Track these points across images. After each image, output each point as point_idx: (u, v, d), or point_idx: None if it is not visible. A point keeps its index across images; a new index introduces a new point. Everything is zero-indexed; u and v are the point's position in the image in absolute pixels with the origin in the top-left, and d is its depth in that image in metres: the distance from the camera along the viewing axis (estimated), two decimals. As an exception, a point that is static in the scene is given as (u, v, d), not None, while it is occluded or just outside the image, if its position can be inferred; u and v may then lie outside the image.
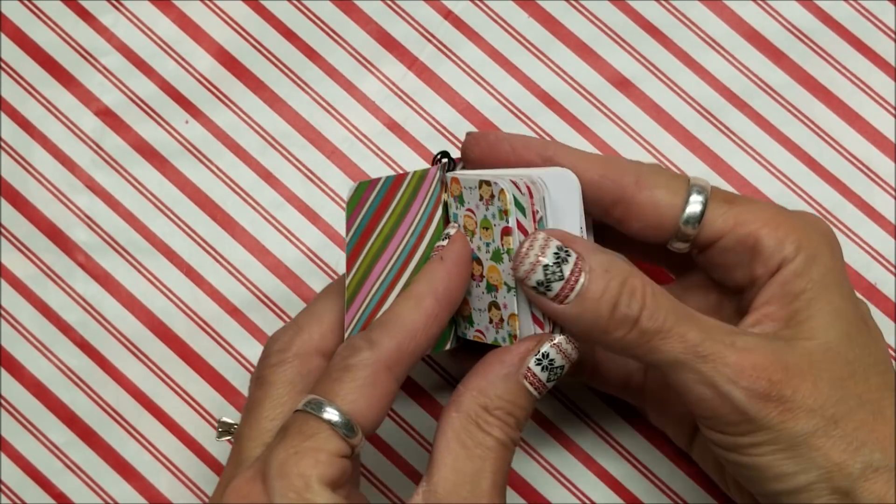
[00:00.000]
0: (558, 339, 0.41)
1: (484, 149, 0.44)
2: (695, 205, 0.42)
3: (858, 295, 0.44)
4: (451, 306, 0.41)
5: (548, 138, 0.53)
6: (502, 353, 0.41)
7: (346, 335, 0.43)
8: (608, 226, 0.44)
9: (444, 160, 0.44)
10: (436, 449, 0.40)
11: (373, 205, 0.44)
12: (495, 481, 0.39)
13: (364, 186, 0.44)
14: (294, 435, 0.38)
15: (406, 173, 0.44)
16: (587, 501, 0.51)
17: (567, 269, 0.40)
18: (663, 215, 0.43)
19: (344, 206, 0.53)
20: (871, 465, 0.40)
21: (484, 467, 0.39)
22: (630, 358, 0.41)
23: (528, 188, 0.41)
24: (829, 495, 0.40)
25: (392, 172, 0.54)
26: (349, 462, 0.39)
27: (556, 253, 0.40)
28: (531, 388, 0.40)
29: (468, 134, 0.44)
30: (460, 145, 0.53)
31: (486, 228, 0.42)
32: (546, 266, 0.40)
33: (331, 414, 0.38)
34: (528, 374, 0.40)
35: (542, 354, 0.40)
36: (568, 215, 0.42)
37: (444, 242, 0.42)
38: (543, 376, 0.41)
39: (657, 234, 0.43)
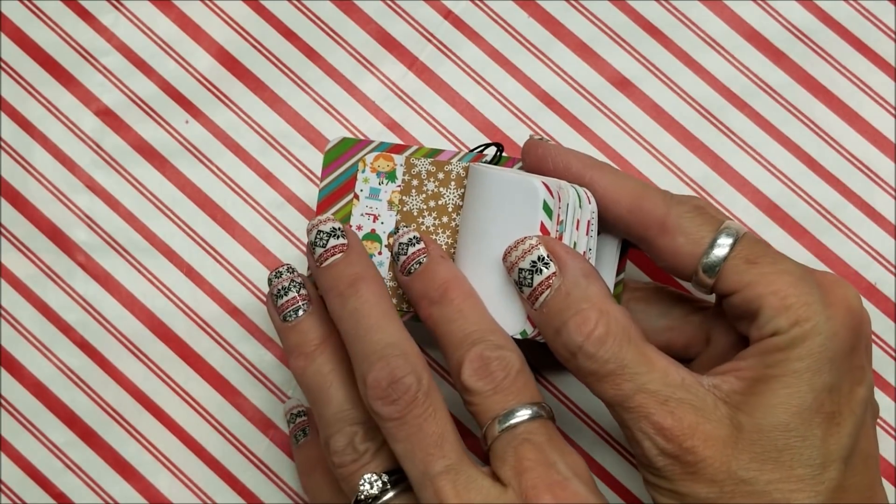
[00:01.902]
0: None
1: (533, 160, 0.45)
2: (713, 259, 0.42)
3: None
4: None
5: (548, 137, 0.53)
6: None
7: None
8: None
9: (485, 149, 0.47)
10: None
11: (355, 167, 0.46)
12: None
13: (349, 143, 0.46)
14: (553, 439, 0.41)
15: (405, 145, 0.46)
16: (587, 501, 0.51)
17: (538, 279, 0.42)
18: (681, 263, 0.43)
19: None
20: None
21: None
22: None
23: (559, 194, 0.42)
24: None
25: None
26: None
27: (533, 262, 0.42)
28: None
29: (528, 139, 0.46)
30: (465, 147, 0.54)
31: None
32: (521, 269, 0.42)
33: (544, 413, 0.42)
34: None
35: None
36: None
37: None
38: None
39: (679, 277, 0.44)
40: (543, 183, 0.42)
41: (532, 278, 0.42)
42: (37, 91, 0.55)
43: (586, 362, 0.41)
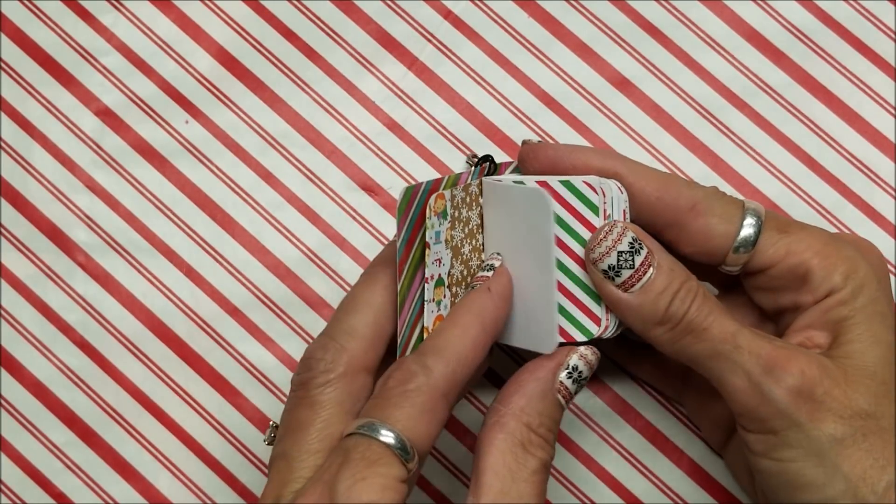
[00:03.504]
0: (583, 350, 0.42)
1: (544, 163, 0.44)
2: (747, 234, 0.43)
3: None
4: (494, 338, 0.42)
5: (551, 140, 0.53)
6: (535, 369, 0.41)
7: (399, 340, 0.43)
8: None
9: (486, 163, 0.46)
10: (481, 471, 0.40)
11: (415, 212, 0.43)
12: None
13: (409, 191, 0.43)
14: (358, 460, 0.38)
15: (442, 178, 0.44)
16: (587, 501, 0.51)
17: (638, 260, 0.41)
18: (716, 244, 0.43)
19: (344, 205, 0.53)
20: (894, 484, 0.40)
21: (530, 491, 0.40)
22: (671, 354, 0.42)
23: (601, 189, 0.42)
24: None
25: (392, 173, 0.54)
26: (406, 486, 0.39)
27: (630, 243, 0.42)
28: (563, 401, 0.41)
29: (524, 143, 0.45)
30: (465, 147, 0.53)
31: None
32: (621, 252, 0.41)
33: (390, 438, 0.39)
34: (561, 388, 0.41)
35: (572, 367, 0.41)
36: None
37: (489, 273, 0.43)
38: (573, 388, 0.42)
39: (708, 259, 0.44)
40: (585, 182, 0.42)
41: (633, 260, 0.41)
42: (37, 91, 0.55)
43: (696, 315, 0.41)
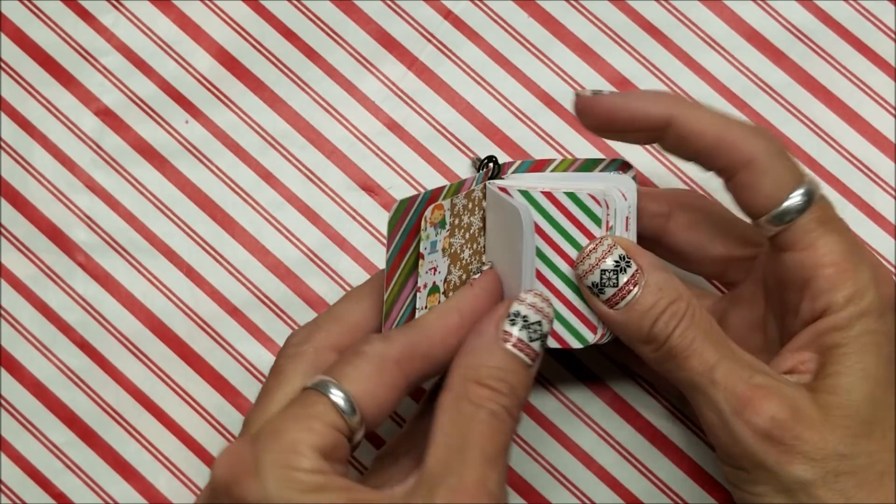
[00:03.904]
0: (523, 295, 0.41)
1: (601, 118, 0.43)
2: (792, 208, 0.41)
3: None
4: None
5: (552, 139, 0.53)
6: (478, 325, 0.41)
7: None
8: (661, 240, 0.46)
9: (490, 164, 0.46)
10: (430, 434, 0.39)
11: (409, 223, 0.44)
12: (485, 452, 0.39)
13: (404, 204, 0.43)
14: (293, 404, 0.39)
15: (443, 187, 0.44)
16: (587, 501, 0.51)
17: (623, 278, 0.41)
18: (758, 203, 0.42)
19: (344, 205, 0.53)
20: None
21: (471, 438, 0.39)
22: (659, 372, 0.42)
23: (605, 201, 0.42)
24: None
25: (392, 173, 0.54)
26: (345, 441, 0.39)
27: (616, 261, 0.42)
28: (518, 352, 0.40)
29: (578, 95, 0.43)
30: (465, 147, 0.53)
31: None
32: (604, 270, 0.42)
33: (335, 395, 0.39)
34: (508, 337, 0.40)
35: (514, 313, 0.40)
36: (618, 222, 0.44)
37: (477, 276, 0.43)
38: (524, 335, 0.40)
39: (748, 213, 0.43)
40: (590, 194, 0.42)
41: (617, 278, 0.41)
42: (37, 91, 0.55)
43: (679, 340, 0.41)
